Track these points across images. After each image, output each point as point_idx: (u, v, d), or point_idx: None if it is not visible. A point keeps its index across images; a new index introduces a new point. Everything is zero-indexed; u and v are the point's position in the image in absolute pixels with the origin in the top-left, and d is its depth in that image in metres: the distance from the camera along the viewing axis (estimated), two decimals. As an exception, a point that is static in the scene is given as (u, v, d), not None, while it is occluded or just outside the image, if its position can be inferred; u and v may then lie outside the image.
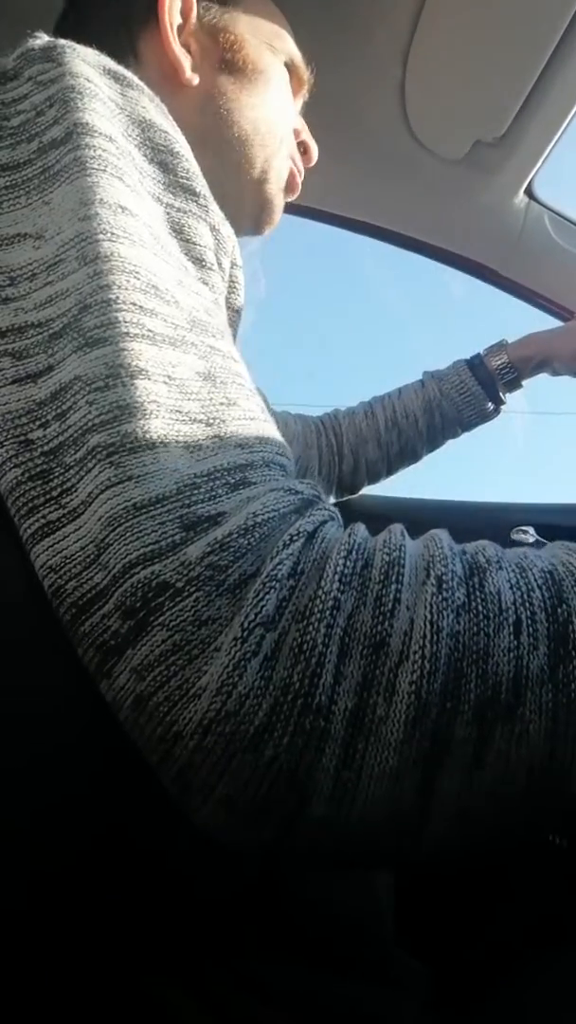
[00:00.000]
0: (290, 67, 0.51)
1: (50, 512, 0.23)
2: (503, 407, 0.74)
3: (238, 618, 0.21)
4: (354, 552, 0.23)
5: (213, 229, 0.32)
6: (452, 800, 0.21)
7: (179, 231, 0.30)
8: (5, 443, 0.24)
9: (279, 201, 0.52)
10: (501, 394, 0.73)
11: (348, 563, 0.22)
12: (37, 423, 0.24)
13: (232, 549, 0.22)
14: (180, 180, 0.32)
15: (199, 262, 0.31)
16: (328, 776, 0.20)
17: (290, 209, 0.74)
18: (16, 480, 0.23)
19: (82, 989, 0.27)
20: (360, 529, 0.25)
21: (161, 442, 0.23)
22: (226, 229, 0.33)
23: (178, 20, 0.44)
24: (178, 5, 0.44)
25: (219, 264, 0.32)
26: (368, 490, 0.81)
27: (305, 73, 0.53)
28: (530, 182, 0.75)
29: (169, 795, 0.22)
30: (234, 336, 0.36)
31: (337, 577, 0.22)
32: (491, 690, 0.21)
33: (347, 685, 0.20)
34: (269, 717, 0.20)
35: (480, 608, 0.22)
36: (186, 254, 0.30)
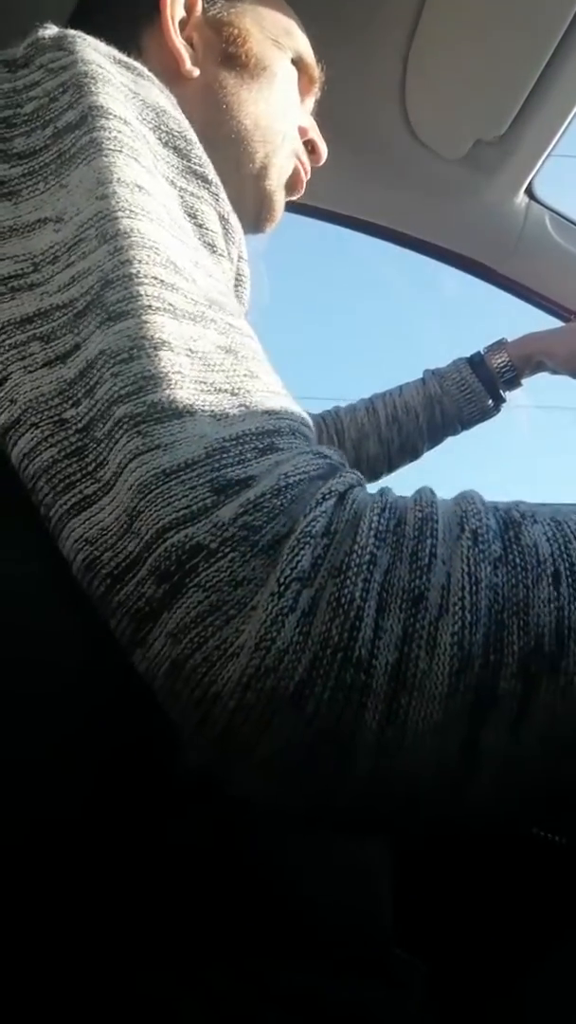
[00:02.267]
0: (299, 64, 0.51)
1: (86, 487, 0.23)
2: (503, 404, 0.75)
3: (273, 575, 0.21)
4: (387, 510, 0.23)
5: (222, 218, 0.33)
6: (499, 754, 0.21)
7: (192, 215, 0.31)
8: (40, 424, 0.24)
9: (279, 198, 0.52)
10: (501, 392, 0.73)
11: (383, 520, 0.22)
12: (69, 402, 0.24)
13: (266, 509, 0.22)
14: (193, 166, 0.32)
15: (211, 247, 0.31)
16: (371, 732, 0.20)
17: (290, 208, 0.74)
18: (52, 459, 0.23)
19: (80, 985, 0.27)
20: (390, 491, 0.25)
21: (187, 411, 0.23)
22: (234, 220, 0.34)
23: (181, 13, 0.44)
24: None
25: (228, 251, 0.32)
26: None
27: (315, 71, 0.53)
28: (530, 182, 0.76)
29: (207, 765, 0.22)
30: None
31: (372, 533, 0.22)
32: (534, 641, 0.20)
33: (387, 639, 0.20)
34: (309, 672, 0.20)
35: (517, 560, 0.22)
36: (199, 239, 0.31)
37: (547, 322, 0.86)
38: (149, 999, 0.28)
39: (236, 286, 0.35)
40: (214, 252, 0.31)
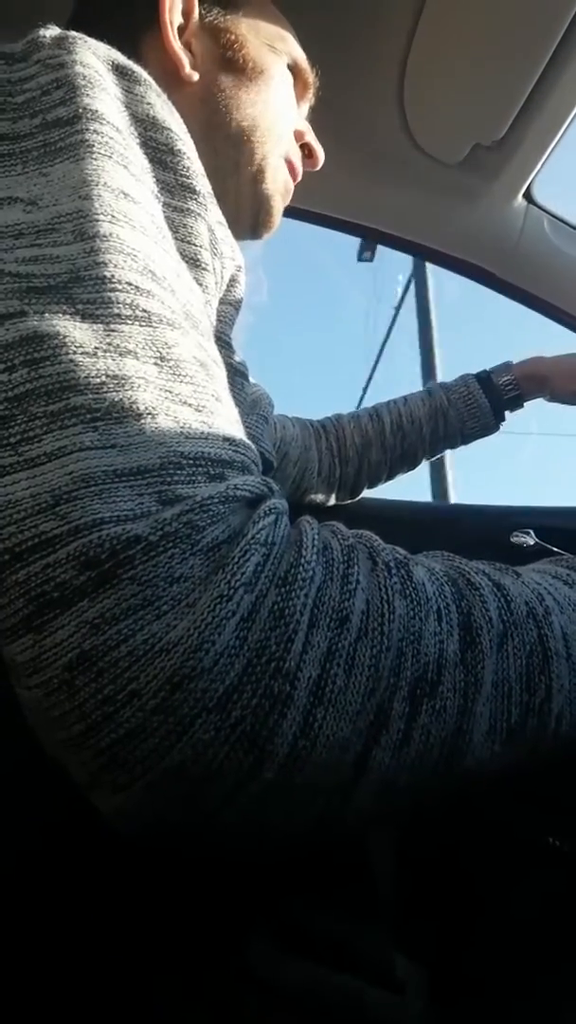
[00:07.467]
0: (294, 69, 0.51)
1: (2, 456, 0.22)
2: (505, 426, 0.76)
3: (221, 577, 0.21)
4: (318, 533, 0.25)
5: (210, 229, 0.33)
6: (381, 772, 0.22)
7: (175, 230, 0.31)
8: None
9: (277, 203, 0.52)
10: (504, 411, 0.75)
11: (317, 541, 0.24)
12: (1, 366, 0.23)
13: (211, 512, 0.22)
14: (180, 178, 0.32)
15: (194, 262, 0.31)
16: (286, 742, 0.21)
17: (289, 212, 0.74)
18: None
19: (81, 984, 0.27)
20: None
21: (149, 414, 0.23)
22: (220, 231, 0.34)
23: (179, 20, 0.44)
24: (179, 6, 0.44)
25: (212, 265, 0.33)
26: (368, 493, 0.81)
27: (310, 76, 0.53)
28: (529, 186, 0.75)
29: (76, 784, 0.21)
30: (231, 328, 0.37)
31: (315, 550, 0.23)
32: (422, 669, 0.23)
33: (313, 654, 0.21)
34: (241, 678, 0.20)
35: (413, 595, 0.24)
36: (181, 253, 0.31)
37: (546, 323, 0.86)
38: (149, 996, 0.28)
39: (231, 286, 0.35)
40: (197, 266, 0.31)
